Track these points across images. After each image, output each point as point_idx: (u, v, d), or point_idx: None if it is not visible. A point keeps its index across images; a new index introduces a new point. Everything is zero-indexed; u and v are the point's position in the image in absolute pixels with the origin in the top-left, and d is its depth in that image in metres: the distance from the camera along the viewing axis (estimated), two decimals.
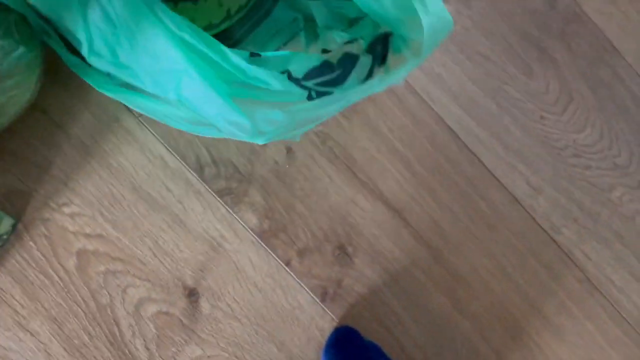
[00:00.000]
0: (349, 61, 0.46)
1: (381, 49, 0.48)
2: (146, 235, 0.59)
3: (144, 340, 0.59)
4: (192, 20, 0.41)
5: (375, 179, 0.66)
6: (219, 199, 0.61)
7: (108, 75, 0.44)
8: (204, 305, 0.61)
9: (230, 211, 0.61)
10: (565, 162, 0.71)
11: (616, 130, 0.73)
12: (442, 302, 0.67)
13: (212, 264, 0.61)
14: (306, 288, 0.63)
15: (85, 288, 0.57)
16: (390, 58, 0.48)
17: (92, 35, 0.39)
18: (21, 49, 0.45)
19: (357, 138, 0.67)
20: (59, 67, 0.51)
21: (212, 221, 0.61)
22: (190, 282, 0.60)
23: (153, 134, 0.60)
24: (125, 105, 0.58)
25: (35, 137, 0.57)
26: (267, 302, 0.62)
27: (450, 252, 0.67)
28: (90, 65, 0.43)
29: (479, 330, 0.67)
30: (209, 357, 0.60)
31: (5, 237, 0.54)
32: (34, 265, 0.56)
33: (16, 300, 0.56)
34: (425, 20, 0.41)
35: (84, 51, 0.41)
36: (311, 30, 0.53)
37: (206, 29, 0.50)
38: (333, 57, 0.46)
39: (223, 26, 0.51)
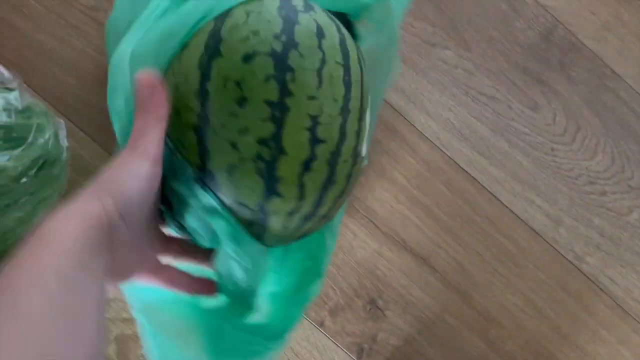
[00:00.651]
0: None
1: None
2: None
3: None
4: None
5: (397, 229, 0.67)
6: None
7: None
8: None
9: None
10: (580, 191, 0.72)
11: (627, 153, 0.74)
12: (477, 344, 0.67)
13: None
14: (342, 347, 0.64)
15: None
16: None
17: None
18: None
19: (375, 190, 0.68)
20: None
21: None
22: None
23: None
24: None
25: None
26: None
27: (479, 293, 0.68)
28: None
29: None
30: None
31: None
32: None
33: None
34: None
35: None
36: None
37: None
38: None
39: None
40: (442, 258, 0.68)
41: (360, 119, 0.38)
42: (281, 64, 0.34)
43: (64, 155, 0.52)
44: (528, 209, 0.71)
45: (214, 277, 0.40)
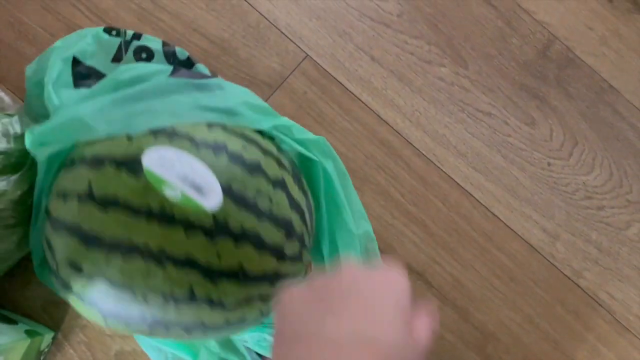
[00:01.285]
0: None
1: None
2: None
3: None
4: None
5: (393, 245, 0.68)
6: None
7: None
8: None
9: None
10: (577, 205, 0.73)
11: (624, 167, 0.74)
12: (474, 359, 0.68)
13: None
14: None
15: None
16: None
17: None
18: None
19: (371, 206, 0.69)
20: None
21: None
22: None
23: None
24: None
25: None
26: None
27: (476, 309, 0.68)
28: None
29: None
30: None
31: (46, 350, 0.56)
32: None
33: None
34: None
35: None
36: None
37: None
38: None
39: None
40: (438, 274, 0.68)
41: None
42: None
43: None
44: (525, 224, 0.71)
45: None
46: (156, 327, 0.41)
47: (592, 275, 0.71)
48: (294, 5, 0.71)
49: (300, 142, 0.50)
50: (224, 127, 0.44)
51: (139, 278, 0.39)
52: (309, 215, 0.48)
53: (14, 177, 0.48)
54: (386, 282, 0.31)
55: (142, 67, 0.48)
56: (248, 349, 0.52)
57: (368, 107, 0.71)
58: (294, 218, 0.45)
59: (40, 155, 0.45)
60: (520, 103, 0.74)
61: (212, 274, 0.40)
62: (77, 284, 0.40)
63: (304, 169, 0.53)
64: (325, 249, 0.53)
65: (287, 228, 0.44)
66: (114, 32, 0.54)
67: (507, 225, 0.71)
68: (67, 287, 0.42)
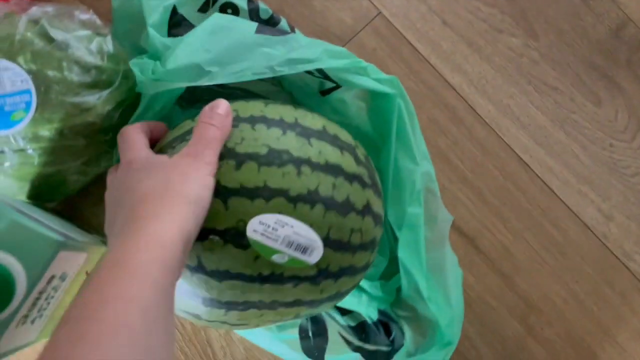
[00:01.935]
0: None
1: None
2: None
3: None
4: None
5: (447, 208, 0.69)
6: None
7: None
8: None
9: None
10: (635, 189, 0.72)
11: None
12: (515, 328, 0.68)
13: None
14: None
15: None
16: None
17: None
18: None
19: None
20: None
21: None
22: None
23: None
24: None
25: None
26: None
27: (523, 279, 0.69)
28: None
29: (553, 357, 0.68)
30: None
31: None
32: None
33: None
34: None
35: None
36: None
37: None
38: None
39: None
40: (488, 240, 0.69)
41: None
42: None
43: None
44: (580, 201, 0.71)
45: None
46: None
47: None
48: None
49: (376, 81, 0.52)
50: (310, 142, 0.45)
51: (254, 318, 0.46)
52: (384, 214, 0.53)
53: (104, 93, 0.50)
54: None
55: (233, 20, 0.51)
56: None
57: (435, 69, 0.71)
58: (378, 232, 0.49)
59: (149, 91, 0.48)
60: (588, 81, 0.73)
61: (314, 303, 0.46)
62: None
63: (377, 108, 0.56)
64: (389, 181, 0.55)
65: (373, 246, 0.49)
66: None
67: (562, 201, 0.71)
68: None
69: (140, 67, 0.48)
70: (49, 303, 0.47)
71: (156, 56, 0.50)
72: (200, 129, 0.40)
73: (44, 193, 0.52)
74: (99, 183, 0.60)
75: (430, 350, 0.53)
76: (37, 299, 0.44)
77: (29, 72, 0.46)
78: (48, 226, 0.45)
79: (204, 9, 0.56)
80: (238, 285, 0.42)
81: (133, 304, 0.29)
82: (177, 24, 0.54)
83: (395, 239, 0.56)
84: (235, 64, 0.48)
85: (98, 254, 0.54)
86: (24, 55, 0.46)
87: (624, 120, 0.73)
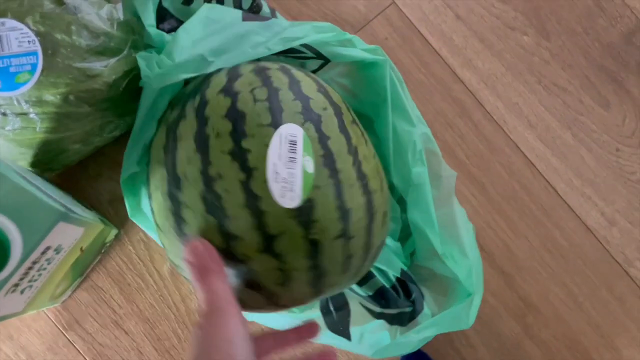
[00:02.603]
0: None
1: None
2: None
3: None
4: None
5: None
6: None
7: None
8: None
9: None
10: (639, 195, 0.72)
11: None
12: (513, 327, 0.68)
13: None
14: None
15: (177, 292, 0.61)
16: None
17: None
18: None
19: None
20: None
21: None
22: None
23: None
24: None
25: None
26: None
27: (523, 278, 0.68)
28: None
29: (549, 358, 0.68)
30: None
31: (108, 244, 0.58)
32: (132, 268, 0.60)
33: (114, 300, 0.60)
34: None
35: None
36: None
37: None
38: None
39: None
40: (490, 237, 0.68)
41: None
42: None
43: None
44: (584, 204, 0.70)
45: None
46: None
47: None
48: None
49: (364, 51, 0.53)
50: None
51: None
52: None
53: (111, 61, 0.49)
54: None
55: (222, 10, 0.51)
56: None
57: (446, 63, 0.71)
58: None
59: (155, 85, 0.47)
60: (597, 84, 0.73)
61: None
62: None
63: (366, 78, 0.57)
64: (389, 143, 0.55)
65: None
66: None
67: (566, 202, 0.70)
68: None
69: (146, 60, 0.48)
70: (40, 274, 0.46)
71: (159, 51, 0.50)
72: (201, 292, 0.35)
73: (44, 161, 0.51)
74: (97, 157, 0.59)
75: (453, 307, 0.52)
76: (30, 268, 0.43)
77: (37, 33, 0.45)
78: (50, 195, 0.44)
79: (187, 2, 0.56)
80: None
81: None
82: (162, 18, 0.55)
83: (404, 204, 0.57)
84: (231, 52, 0.48)
85: (95, 230, 0.53)
86: (32, 16, 0.45)
87: (631, 126, 0.73)
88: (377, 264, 0.57)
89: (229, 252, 0.38)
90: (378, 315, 0.56)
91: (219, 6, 0.52)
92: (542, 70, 0.72)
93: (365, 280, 0.57)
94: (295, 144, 0.39)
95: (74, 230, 0.47)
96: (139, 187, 0.54)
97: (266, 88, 0.41)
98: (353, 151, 0.42)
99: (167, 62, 0.47)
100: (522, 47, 0.72)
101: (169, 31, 0.55)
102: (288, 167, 0.38)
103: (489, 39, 0.72)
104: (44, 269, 0.46)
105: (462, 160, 0.69)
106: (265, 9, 0.59)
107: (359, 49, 0.53)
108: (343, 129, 0.42)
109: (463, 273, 0.53)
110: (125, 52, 0.50)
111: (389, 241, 0.58)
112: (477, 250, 0.56)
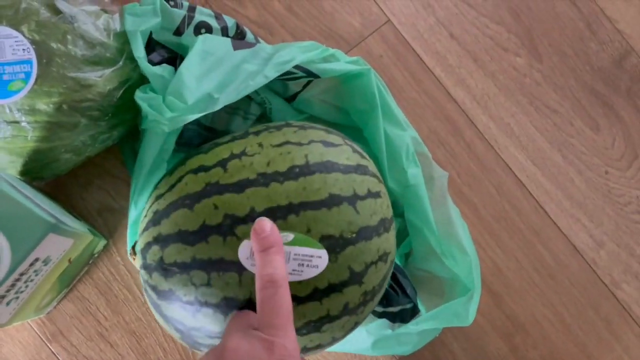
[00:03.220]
0: None
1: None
2: None
3: None
4: None
5: None
6: None
7: None
8: None
9: None
10: (628, 218, 0.72)
11: None
12: (500, 347, 0.68)
13: None
14: None
15: None
16: None
17: None
18: None
19: None
20: None
21: None
22: None
23: None
24: None
25: None
26: None
27: (511, 298, 0.69)
28: None
29: None
30: None
31: (96, 255, 0.57)
32: (119, 279, 0.59)
33: (100, 312, 0.59)
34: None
35: None
36: None
37: None
38: None
39: None
40: (479, 256, 0.68)
41: None
42: None
43: None
44: (573, 226, 0.71)
45: None
46: None
47: (630, 289, 0.71)
48: None
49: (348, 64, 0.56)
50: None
51: None
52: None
53: (107, 71, 0.48)
54: None
55: (216, 42, 0.51)
56: None
57: (439, 81, 0.71)
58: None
59: (169, 129, 0.47)
60: (588, 107, 0.74)
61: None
62: None
63: (352, 89, 0.58)
64: (382, 148, 0.57)
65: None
66: (171, 2, 0.55)
67: (555, 223, 0.71)
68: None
69: (148, 102, 0.47)
70: (27, 286, 0.45)
71: (155, 89, 0.49)
72: (262, 295, 0.37)
73: (34, 170, 0.51)
74: (88, 166, 0.59)
75: (451, 302, 0.53)
76: (17, 280, 0.42)
77: (32, 42, 0.45)
78: (40, 206, 0.43)
79: (178, 33, 0.56)
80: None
81: None
82: (151, 50, 0.55)
83: (399, 207, 0.58)
84: (232, 84, 0.49)
85: (84, 241, 0.52)
86: (28, 24, 0.45)
87: (620, 149, 0.74)
88: None
89: None
90: (380, 315, 0.57)
91: (211, 36, 0.52)
92: (534, 92, 0.73)
93: None
94: None
95: (64, 242, 0.47)
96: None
97: None
98: None
99: (178, 104, 0.47)
100: (514, 68, 0.73)
101: (159, 62, 0.54)
102: None
103: (483, 59, 0.72)
104: (32, 280, 0.45)
105: (453, 178, 0.69)
106: (249, 35, 0.59)
107: (343, 62, 0.55)
108: None
109: (463, 270, 0.54)
110: (120, 63, 0.50)
111: None
112: (474, 247, 0.57)
